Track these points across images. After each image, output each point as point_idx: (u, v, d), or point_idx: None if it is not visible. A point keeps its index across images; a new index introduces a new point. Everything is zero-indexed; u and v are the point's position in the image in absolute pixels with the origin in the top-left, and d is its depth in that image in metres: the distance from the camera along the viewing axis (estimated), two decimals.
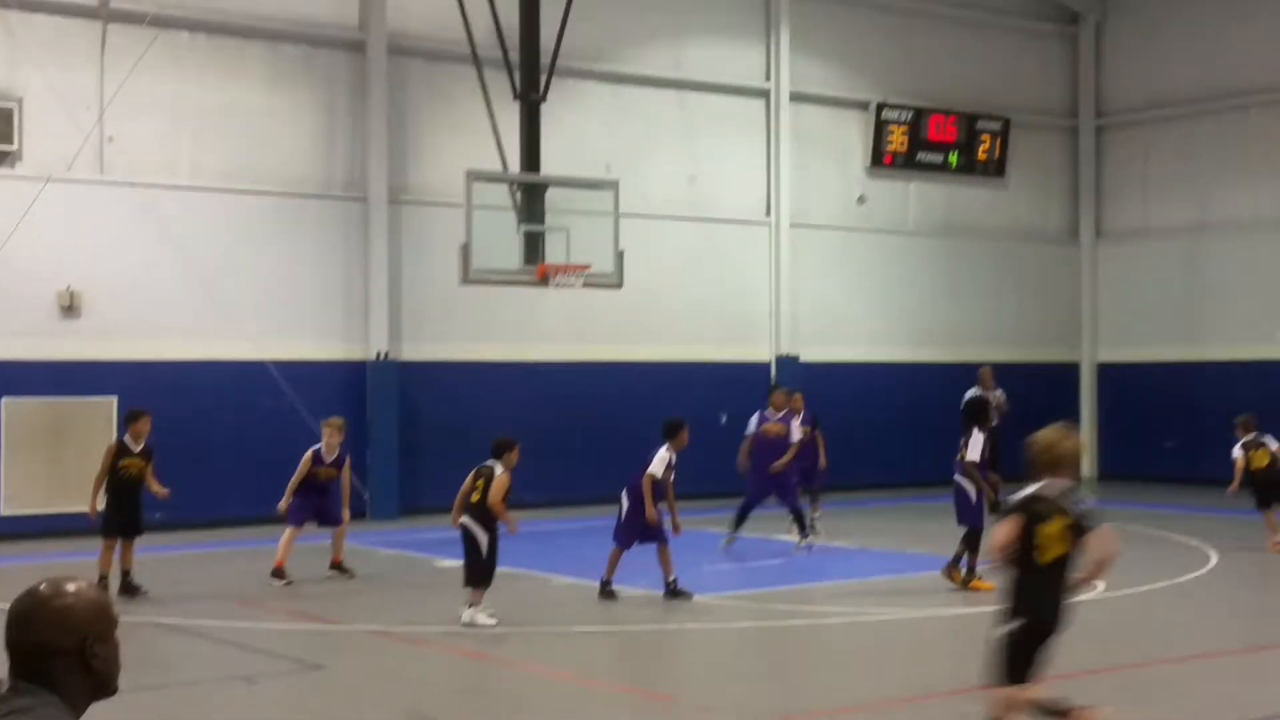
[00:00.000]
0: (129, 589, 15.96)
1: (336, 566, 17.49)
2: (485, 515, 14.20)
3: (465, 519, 14.27)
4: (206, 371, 23.07)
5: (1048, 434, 8.57)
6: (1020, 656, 8.44)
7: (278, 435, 23.41)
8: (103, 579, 15.81)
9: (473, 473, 14.47)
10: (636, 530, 15.49)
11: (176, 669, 12.42)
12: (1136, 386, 31.60)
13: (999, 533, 8.36)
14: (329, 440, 17.41)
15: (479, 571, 14.20)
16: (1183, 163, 31.42)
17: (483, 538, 14.18)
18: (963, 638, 13.70)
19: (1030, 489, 8.39)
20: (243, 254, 23.59)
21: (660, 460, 15.58)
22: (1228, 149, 30.59)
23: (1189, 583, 17.08)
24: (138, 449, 16.34)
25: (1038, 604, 8.34)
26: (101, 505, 16.33)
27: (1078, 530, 8.28)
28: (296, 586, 16.77)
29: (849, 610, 15.41)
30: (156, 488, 16.42)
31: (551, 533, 22.51)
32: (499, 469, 14.29)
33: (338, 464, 17.46)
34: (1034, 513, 8.28)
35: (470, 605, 14.14)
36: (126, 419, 16.64)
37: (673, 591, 15.50)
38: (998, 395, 26.07)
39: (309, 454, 17.33)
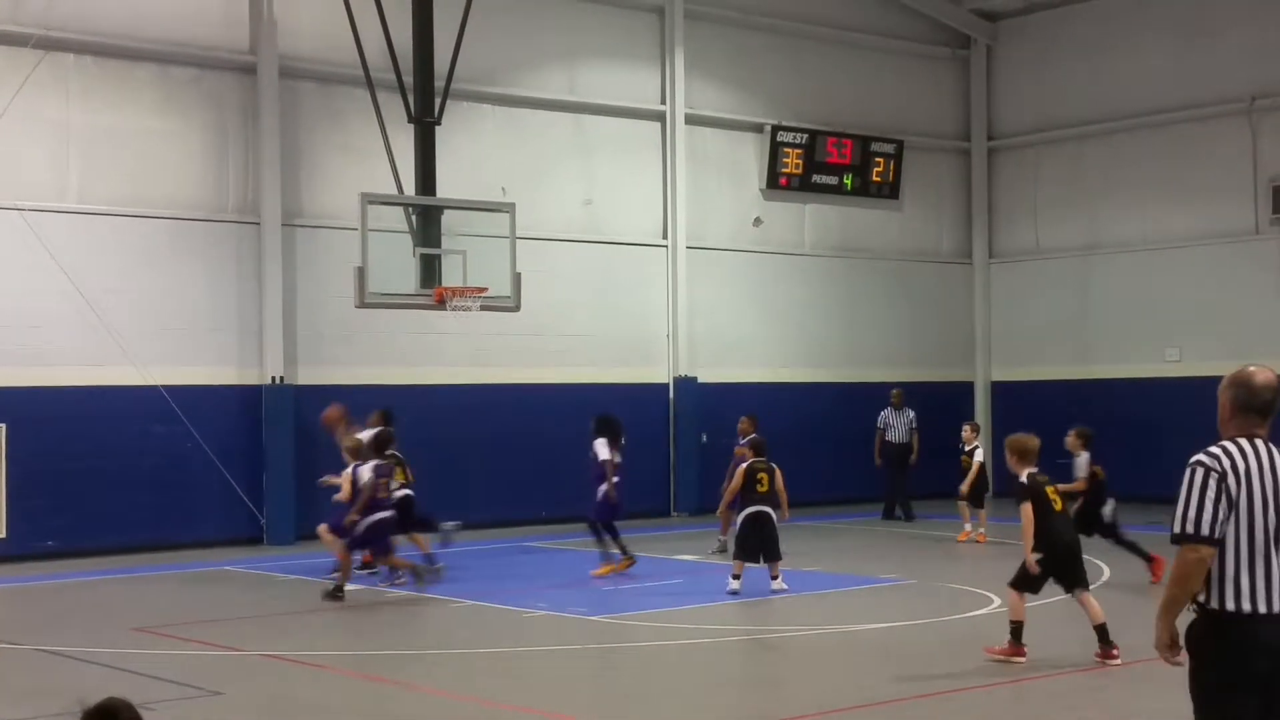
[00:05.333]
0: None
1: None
2: (774, 500, 17.37)
3: (761, 507, 17.22)
4: (98, 398, 22.68)
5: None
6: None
7: (172, 462, 23.20)
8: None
9: (744, 468, 17.51)
10: None
11: (69, 697, 12.15)
12: (1029, 405, 31.91)
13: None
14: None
15: (777, 548, 17.46)
16: (1073, 184, 31.89)
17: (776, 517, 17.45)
18: (862, 653, 13.76)
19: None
20: (134, 279, 23.22)
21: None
22: (1117, 171, 31.08)
23: None
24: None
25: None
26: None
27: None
28: (197, 616, 16.57)
29: (749, 629, 15.43)
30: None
31: (449, 555, 22.35)
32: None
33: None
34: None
35: (774, 576, 17.40)
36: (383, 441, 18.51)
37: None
38: (909, 415, 27.54)
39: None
